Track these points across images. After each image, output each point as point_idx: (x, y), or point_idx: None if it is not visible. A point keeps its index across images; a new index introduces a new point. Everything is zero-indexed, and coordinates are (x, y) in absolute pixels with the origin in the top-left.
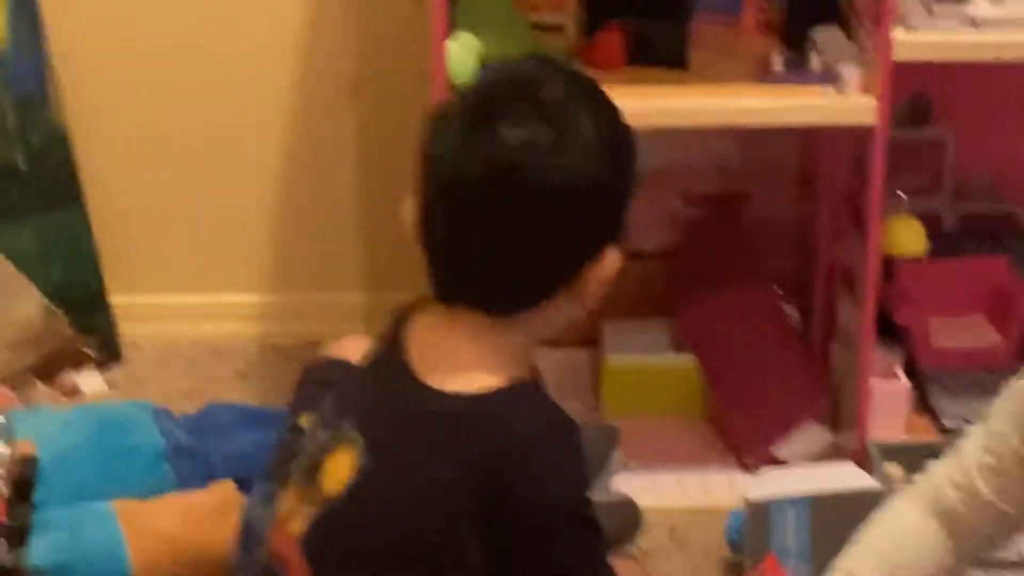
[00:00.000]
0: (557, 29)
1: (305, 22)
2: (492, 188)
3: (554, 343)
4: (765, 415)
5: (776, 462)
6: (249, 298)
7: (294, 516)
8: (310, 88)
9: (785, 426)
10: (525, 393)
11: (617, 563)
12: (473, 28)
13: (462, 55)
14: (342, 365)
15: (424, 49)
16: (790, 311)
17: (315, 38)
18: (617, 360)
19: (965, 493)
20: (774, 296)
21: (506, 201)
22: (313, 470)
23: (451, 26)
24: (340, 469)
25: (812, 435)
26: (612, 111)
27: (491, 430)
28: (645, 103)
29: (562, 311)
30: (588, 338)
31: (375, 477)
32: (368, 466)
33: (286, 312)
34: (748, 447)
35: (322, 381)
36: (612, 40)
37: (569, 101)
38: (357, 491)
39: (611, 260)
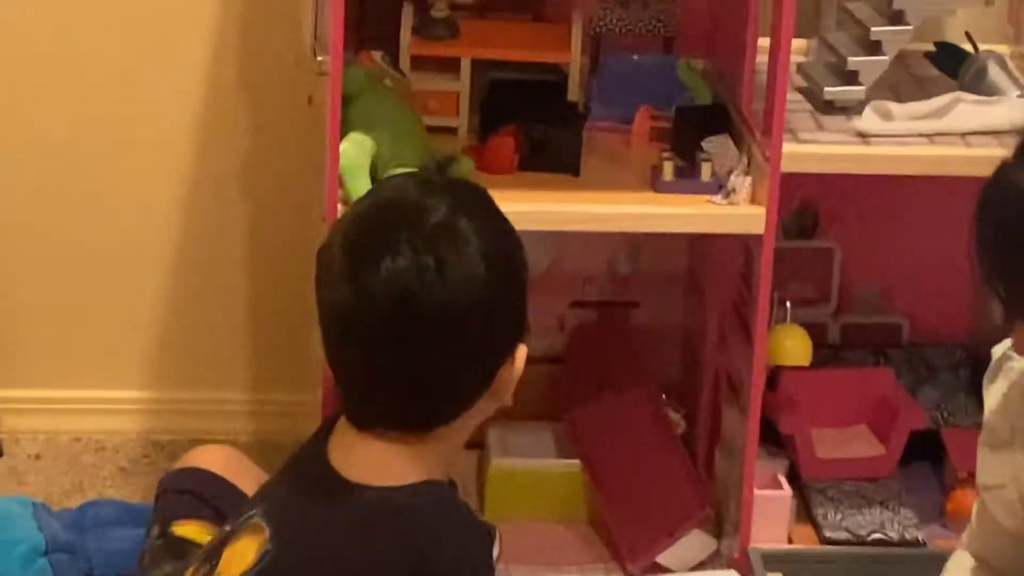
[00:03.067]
0: (451, 131)
1: (198, 113)
2: (389, 323)
3: None
4: (649, 521)
5: (660, 569)
6: (132, 394)
7: None
8: (202, 179)
9: (669, 533)
10: (442, 491)
11: None
12: (367, 128)
13: (355, 154)
14: (201, 473)
15: (318, 145)
16: (676, 418)
17: (209, 128)
18: (501, 463)
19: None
20: (660, 403)
21: (405, 333)
22: (211, 557)
23: (345, 125)
24: (241, 554)
25: (695, 542)
26: (497, 222)
27: (407, 523)
28: (537, 208)
29: (482, 411)
30: (473, 441)
31: (279, 562)
32: (272, 551)
33: (169, 409)
34: (632, 553)
35: (182, 490)
36: (505, 144)
37: (452, 222)
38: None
39: (520, 355)
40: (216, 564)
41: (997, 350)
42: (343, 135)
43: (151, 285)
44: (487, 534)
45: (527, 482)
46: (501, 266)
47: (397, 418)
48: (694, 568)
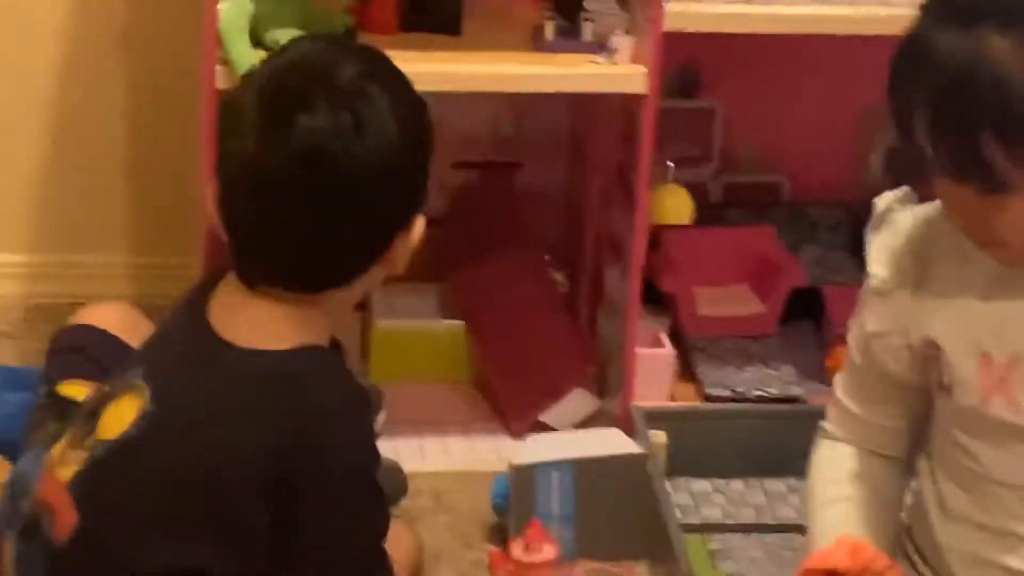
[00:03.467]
0: None
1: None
2: (298, 180)
3: None
4: (533, 381)
5: (543, 428)
6: (12, 258)
7: (64, 462)
8: (80, 40)
9: (552, 392)
10: (324, 357)
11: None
12: None
13: (234, 16)
14: (92, 331)
15: (197, 7)
16: (559, 279)
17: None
18: (385, 325)
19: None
20: (543, 264)
21: (314, 191)
22: (91, 418)
23: None
24: (120, 415)
25: (579, 401)
26: (407, 87)
27: (288, 390)
28: (418, 68)
29: (373, 279)
30: (358, 302)
31: (159, 423)
32: (152, 412)
33: (50, 272)
34: (515, 413)
35: (72, 347)
36: (387, 4)
37: (365, 83)
38: (137, 436)
39: (419, 226)
40: (95, 424)
41: (880, 202)
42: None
43: (31, 148)
44: (368, 401)
45: (411, 343)
46: (413, 131)
47: (289, 278)
48: (577, 426)
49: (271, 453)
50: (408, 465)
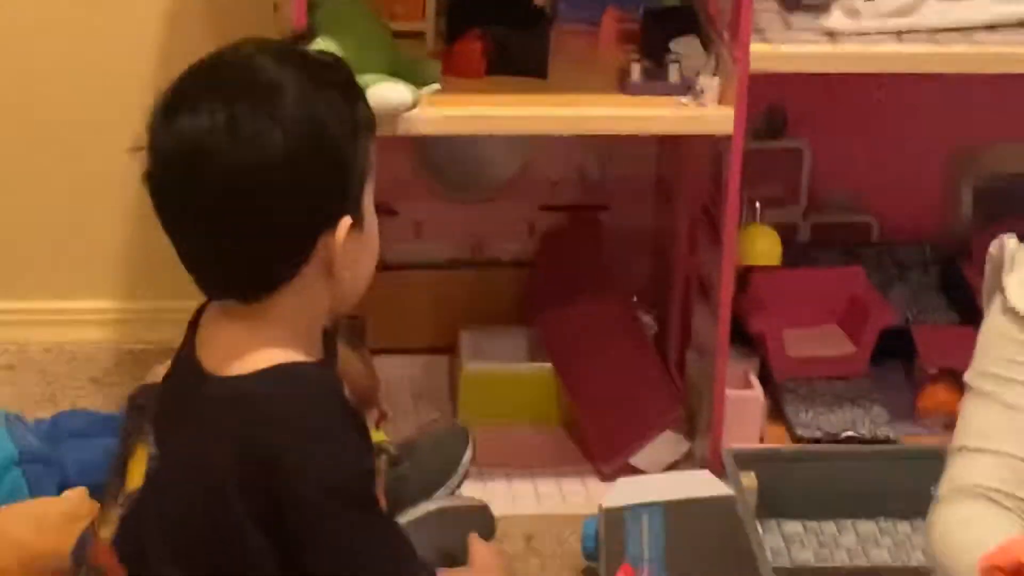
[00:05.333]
0: (418, 36)
1: (162, 19)
2: (182, 179)
3: (412, 350)
4: (622, 423)
5: (632, 471)
6: (104, 304)
7: (105, 521)
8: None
9: (641, 435)
10: (292, 372)
11: (480, 549)
12: (332, 34)
13: None
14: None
15: None
16: (647, 321)
17: (171, 41)
18: (474, 367)
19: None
20: (631, 306)
21: (195, 192)
22: (121, 473)
23: (310, 32)
24: (138, 465)
25: (668, 444)
26: (329, 90)
27: (249, 413)
28: (505, 112)
29: (318, 289)
30: (446, 345)
31: (161, 466)
32: (156, 456)
33: (141, 318)
34: (604, 455)
35: (141, 407)
36: (473, 49)
37: (268, 82)
38: (149, 483)
39: (342, 227)
40: (124, 478)
41: (1010, 243)
42: (309, 42)
43: (124, 193)
44: (346, 412)
45: (499, 386)
46: (306, 134)
47: (222, 286)
48: (667, 469)
49: (248, 479)
50: (498, 508)
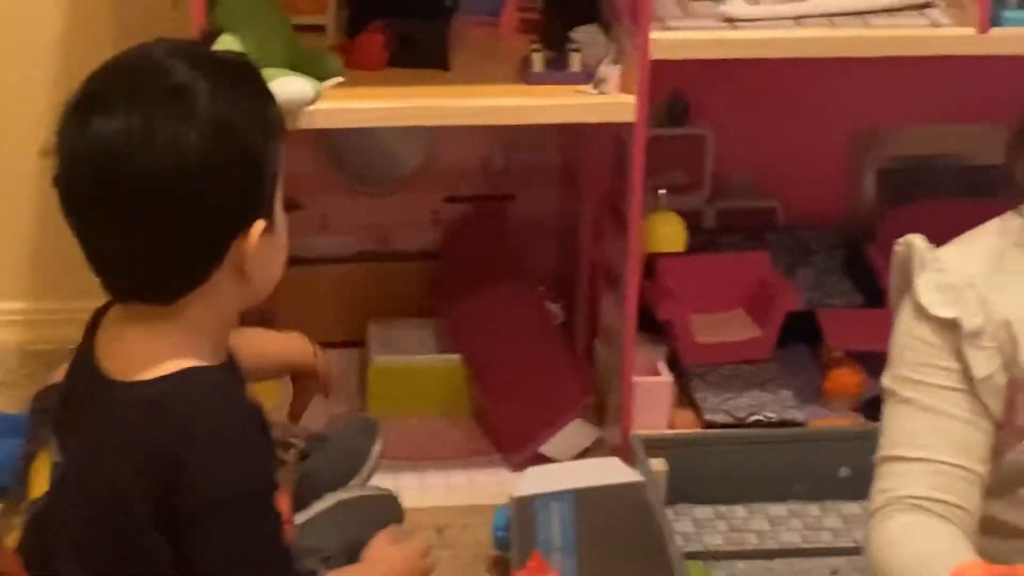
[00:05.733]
0: (319, 29)
1: (61, 16)
2: (95, 183)
3: (320, 344)
4: (530, 413)
5: (542, 460)
6: (8, 305)
7: (9, 528)
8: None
9: (550, 423)
10: (198, 378)
11: (376, 544)
12: (233, 29)
13: None
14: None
15: None
16: (555, 310)
17: (71, 37)
18: (382, 360)
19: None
20: (538, 295)
21: (108, 195)
22: (23, 480)
23: (211, 27)
24: (41, 472)
25: (577, 432)
26: (240, 91)
27: (154, 417)
28: (408, 103)
29: (228, 291)
30: (355, 339)
31: (65, 473)
32: (59, 464)
33: (46, 319)
34: (514, 445)
35: (44, 411)
36: (374, 41)
37: (180, 84)
38: (54, 490)
39: (255, 231)
40: (26, 485)
41: (916, 242)
42: (212, 37)
43: (30, 196)
44: (255, 418)
45: (408, 378)
46: (222, 138)
47: (130, 289)
48: (577, 457)
49: (151, 484)
50: (409, 500)
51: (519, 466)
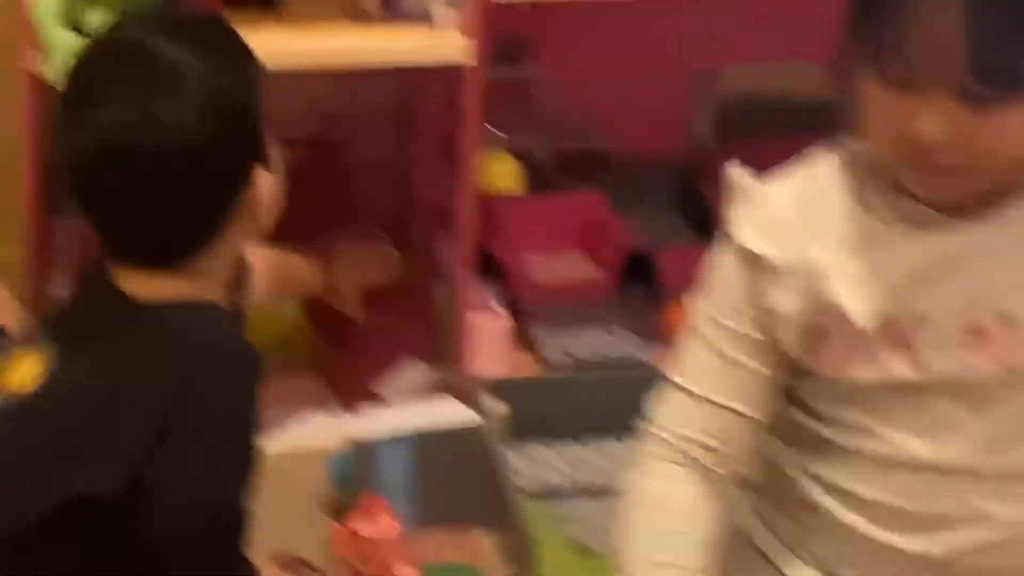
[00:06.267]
0: None
1: None
2: (100, 171)
3: None
4: (366, 355)
5: (380, 401)
6: None
7: None
8: None
9: (387, 365)
10: (212, 312)
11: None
12: None
13: (47, 1)
14: None
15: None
16: (392, 252)
17: None
18: None
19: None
20: (376, 238)
21: (119, 182)
22: None
23: None
24: (28, 370)
25: (414, 373)
26: (227, 52)
27: (169, 340)
28: None
29: (236, 236)
30: None
31: (60, 375)
32: (57, 370)
33: None
34: (351, 388)
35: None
36: None
37: (169, 64)
38: (45, 389)
39: (261, 179)
40: None
41: (737, 176)
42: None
43: None
44: (256, 361)
45: (246, 323)
46: (219, 108)
47: (143, 256)
48: (414, 398)
49: (158, 404)
50: None
51: (357, 409)
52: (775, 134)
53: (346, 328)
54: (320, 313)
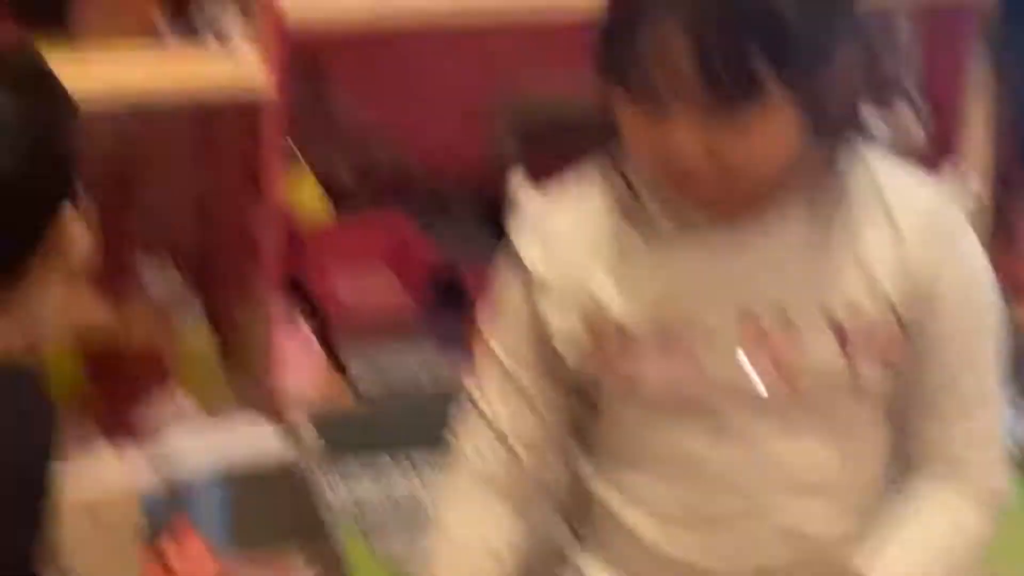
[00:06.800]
0: None
1: None
2: None
3: None
4: (133, 389)
5: (148, 434)
6: None
7: None
8: None
9: (147, 395)
10: (10, 364)
11: None
12: None
13: None
14: None
15: None
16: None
17: None
18: None
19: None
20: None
21: None
22: None
23: None
24: None
25: (172, 405)
26: (34, 89)
27: None
28: None
29: (51, 271)
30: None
31: None
32: None
33: None
34: (124, 422)
35: None
36: None
37: None
38: None
39: (69, 215)
40: None
41: (518, 195)
42: None
43: None
44: (51, 414)
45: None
46: (32, 149)
47: None
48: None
49: None
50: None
51: (151, 443)
52: (573, 149)
53: (119, 364)
54: (96, 350)
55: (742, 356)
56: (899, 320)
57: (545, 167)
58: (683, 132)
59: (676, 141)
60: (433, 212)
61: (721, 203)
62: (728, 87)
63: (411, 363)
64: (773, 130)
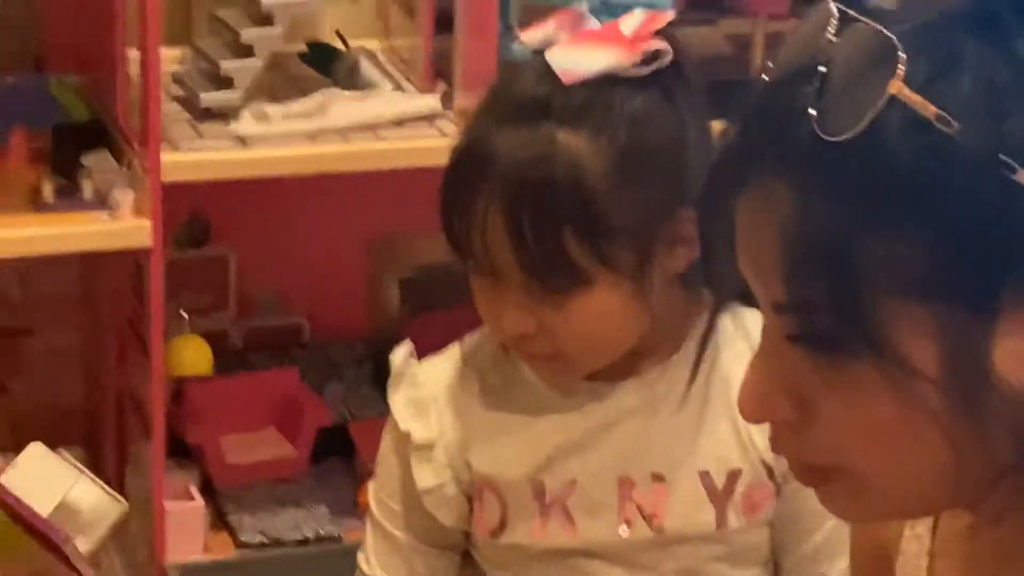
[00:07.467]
0: None
1: None
2: None
3: None
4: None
5: None
6: None
7: None
8: None
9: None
10: None
11: None
12: None
13: None
14: None
15: None
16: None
17: None
18: None
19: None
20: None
21: None
22: None
23: None
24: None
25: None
26: None
27: None
28: None
29: None
30: None
31: None
32: None
33: None
34: None
35: None
36: None
37: None
38: None
39: None
40: None
41: (395, 359)
42: None
43: None
44: None
45: None
46: None
47: None
48: None
49: None
50: None
51: None
52: (459, 304)
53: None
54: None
55: (624, 529)
56: (770, 473)
57: (430, 320)
58: (514, 309)
59: (508, 318)
60: (321, 368)
61: (567, 374)
62: (544, 272)
63: (296, 519)
64: (602, 310)
